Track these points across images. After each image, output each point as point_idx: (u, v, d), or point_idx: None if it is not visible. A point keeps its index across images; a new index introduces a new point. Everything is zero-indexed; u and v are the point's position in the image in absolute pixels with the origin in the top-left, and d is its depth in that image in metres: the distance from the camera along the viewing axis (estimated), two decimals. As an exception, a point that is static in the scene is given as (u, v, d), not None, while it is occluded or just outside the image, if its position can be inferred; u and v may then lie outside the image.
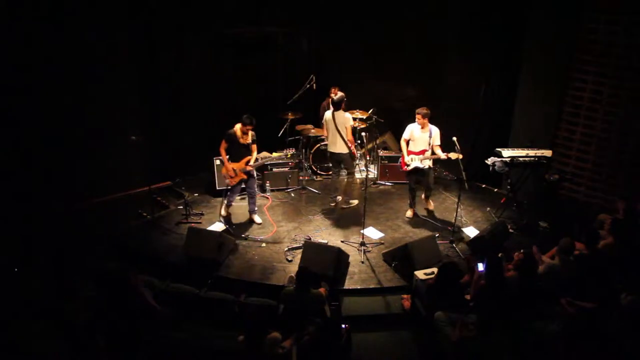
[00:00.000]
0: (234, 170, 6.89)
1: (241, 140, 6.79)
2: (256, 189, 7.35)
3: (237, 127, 6.75)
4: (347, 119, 7.26)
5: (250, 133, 6.81)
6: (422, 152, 7.03)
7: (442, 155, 6.86)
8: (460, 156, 6.67)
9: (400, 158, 7.33)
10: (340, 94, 7.36)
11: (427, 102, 7.24)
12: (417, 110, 6.92)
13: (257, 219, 7.28)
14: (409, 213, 7.58)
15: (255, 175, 7.22)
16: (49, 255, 5.99)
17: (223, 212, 7.34)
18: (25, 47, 6.63)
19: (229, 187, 7.08)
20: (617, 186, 7.31)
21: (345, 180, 7.94)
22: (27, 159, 6.84)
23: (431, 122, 6.99)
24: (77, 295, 4.75)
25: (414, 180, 7.32)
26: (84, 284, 5.01)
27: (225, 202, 7.31)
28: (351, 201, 7.87)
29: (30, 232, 6.41)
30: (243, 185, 7.18)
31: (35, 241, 6.27)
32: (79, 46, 7.07)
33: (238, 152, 6.86)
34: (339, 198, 7.86)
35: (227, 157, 6.88)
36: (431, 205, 7.67)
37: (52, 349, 4.21)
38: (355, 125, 8.58)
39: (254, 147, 6.97)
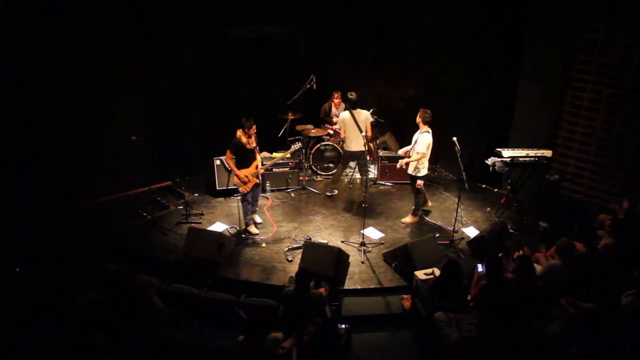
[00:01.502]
0: (247, 176, 6.66)
1: (248, 146, 6.55)
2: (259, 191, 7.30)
3: (240, 133, 6.51)
4: (368, 116, 7.45)
5: (253, 136, 6.62)
6: (408, 155, 7.04)
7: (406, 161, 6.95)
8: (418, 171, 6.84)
9: None
10: (353, 94, 7.39)
11: (427, 103, 7.23)
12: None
13: (257, 218, 7.27)
14: (405, 219, 7.51)
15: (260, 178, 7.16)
16: (50, 255, 5.98)
17: (254, 230, 7.02)
18: (25, 47, 6.62)
19: (246, 197, 6.81)
20: (617, 186, 7.31)
21: (353, 180, 8.04)
22: (27, 159, 6.84)
23: (433, 122, 6.98)
24: (77, 295, 4.74)
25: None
26: (85, 283, 5.01)
27: (249, 218, 7.00)
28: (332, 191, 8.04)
29: (30, 232, 6.41)
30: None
31: (36, 241, 6.27)
32: (79, 46, 7.07)
33: (246, 158, 6.64)
34: (336, 191, 8.16)
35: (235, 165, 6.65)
36: (407, 219, 7.44)
37: (53, 349, 4.21)
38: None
39: (257, 149, 6.84)
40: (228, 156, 6.62)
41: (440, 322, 4.87)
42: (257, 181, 6.83)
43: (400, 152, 7.36)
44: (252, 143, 6.62)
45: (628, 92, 7.04)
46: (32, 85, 6.78)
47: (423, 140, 6.74)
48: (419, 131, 6.92)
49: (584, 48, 7.34)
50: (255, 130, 6.54)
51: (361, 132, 7.24)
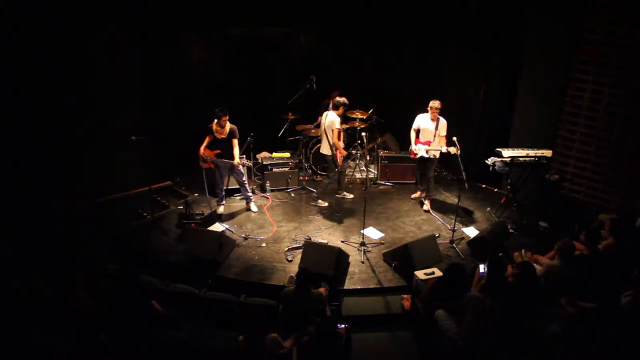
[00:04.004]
0: (207, 156, 7.08)
1: (217, 135, 6.98)
2: (244, 178, 7.42)
3: (214, 122, 6.98)
4: (332, 122, 7.33)
5: (228, 127, 6.95)
6: (428, 142, 7.25)
7: (443, 149, 7.11)
8: (459, 152, 6.76)
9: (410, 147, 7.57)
10: (340, 99, 7.37)
11: (427, 103, 7.25)
12: (430, 104, 7.15)
13: (253, 207, 7.47)
14: (415, 195, 8.02)
15: (240, 168, 7.31)
16: (50, 255, 5.98)
17: (221, 210, 7.49)
18: (25, 47, 6.62)
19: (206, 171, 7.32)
20: (617, 186, 7.31)
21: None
22: (27, 159, 6.83)
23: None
24: (78, 295, 4.74)
25: (421, 168, 7.66)
26: (85, 283, 5.01)
27: (217, 200, 7.53)
28: (320, 201, 7.88)
29: (30, 232, 6.40)
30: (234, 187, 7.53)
31: (36, 241, 6.26)
32: (79, 46, 7.07)
33: (214, 145, 7.07)
34: (346, 194, 8.10)
35: (206, 146, 7.12)
36: (426, 206, 7.71)
37: (54, 348, 4.21)
38: (355, 126, 8.59)
39: (234, 141, 7.06)
40: (207, 138, 7.09)
41: (442, 320, 4.87)
42: (212, 166, 7.17)
43: (426, 148, 7.33)
44: (223, 134, 6.97)
45: (628, 92, 7.05)
46: (32, 85, 6.77)
47: (445, 124, 7.21)
48: (431, 119, 7.21)
49: (584, 48, 7.34)
50: (225, 122, 6.92)
51: (326, 137, 7.35)
